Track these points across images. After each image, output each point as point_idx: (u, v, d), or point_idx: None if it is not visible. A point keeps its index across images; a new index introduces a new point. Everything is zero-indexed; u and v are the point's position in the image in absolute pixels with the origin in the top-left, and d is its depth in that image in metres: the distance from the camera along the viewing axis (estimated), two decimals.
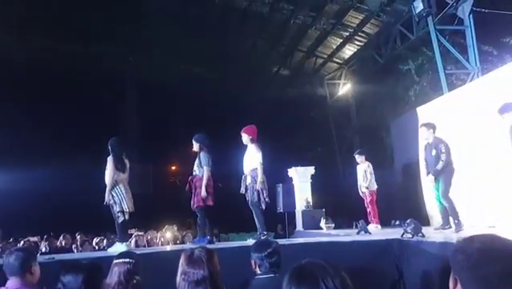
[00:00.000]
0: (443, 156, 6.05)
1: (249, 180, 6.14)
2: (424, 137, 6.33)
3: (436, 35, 9.31)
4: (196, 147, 6.07)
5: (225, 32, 13.39)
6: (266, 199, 6.08)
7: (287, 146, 14.38)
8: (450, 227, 6.09)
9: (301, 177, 10.54)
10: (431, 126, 6.30)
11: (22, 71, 12.98)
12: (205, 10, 12.56)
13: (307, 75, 15.95)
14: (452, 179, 6.10)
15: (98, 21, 12.89)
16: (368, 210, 8.65)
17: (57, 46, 13.54)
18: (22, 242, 8.43)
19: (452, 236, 5.50)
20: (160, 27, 13.22)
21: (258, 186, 5.99)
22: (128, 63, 15.55)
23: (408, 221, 5.30)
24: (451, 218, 6.12)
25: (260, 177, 6.01)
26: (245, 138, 6.28)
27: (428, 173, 6.35)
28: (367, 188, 8.65)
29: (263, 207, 6.08)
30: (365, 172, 8.67)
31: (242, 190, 6.26)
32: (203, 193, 5.75)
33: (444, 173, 6.06)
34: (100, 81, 14.63)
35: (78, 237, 9.07)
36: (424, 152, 6.47)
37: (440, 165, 6.00)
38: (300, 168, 10.66)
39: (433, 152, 6.18)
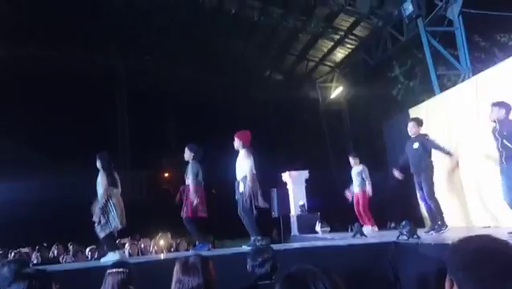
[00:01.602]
0: (426, 152, 6.21)
1: (241, 187, 6.12)
2: (412, 132, 6.42)
3: (427, 37, 9.37)
4: (188, 155, 6.04)
5: (216, 36, 13.40)
6: (260, 204, 6.06)
7: (281, 150, 14.39)
8: (440, 226, 6.11)
9: (295, 182, 10.52)
10: (419, 122, 6.44)
11: (8, 76, 12.82)
12: (196, 15, 12.56)
13: (299, 79, 16.00)
14: (433, 177, 6.19)
15: (87, 25, 12.80)
16: (359, 213, 8.58)
17: (45, 50, 13.44)
18: (12, 254, 8.30)
19: (447, 238, 5.50)
20: (151, 32, 13.20)
21: (249, 192, 5.97)
22: (119, 67, 15.49)
23: (404, 223, 5.30)
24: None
25: (250, 182, 5.95)
26: (237, 143, 6.24)
27: (411, 168, 6.42)
28: (358, 186, 8.58)
29: (255, 212, 6.06)
30: (358, 174, 8.63)
31: (238, 196, 6.23)
32: (194, 203, 5.73)
33: (426, 172, 6.14)
34: (90, 86, 14.56)
35: (70, 247, 8.97)
36: (407, 145, 6.54)
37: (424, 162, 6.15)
38: (294, 173, 10.66)
39: (415, 146, 6.27)
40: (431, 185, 6.16)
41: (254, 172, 6.16)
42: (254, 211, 6.03)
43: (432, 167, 6.24)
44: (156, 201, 15.09)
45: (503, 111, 4.87)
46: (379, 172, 10.22)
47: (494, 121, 4.98)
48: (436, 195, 6.17)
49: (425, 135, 6.42)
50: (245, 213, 6.03)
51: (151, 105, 15.55)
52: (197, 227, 5.84)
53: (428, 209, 6.39)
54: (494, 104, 4.94)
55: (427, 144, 6.27)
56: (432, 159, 6.26)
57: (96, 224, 5.37)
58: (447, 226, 6.04)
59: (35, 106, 13.49)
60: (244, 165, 6.12)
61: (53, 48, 13.45)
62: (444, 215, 6.11)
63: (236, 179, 6.25)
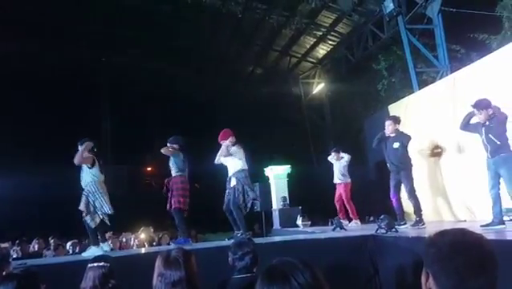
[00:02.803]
0: (406, 150, 6.41)
1: (233, 182, 6.15)
2: (389, 131, 6.55)
3: (407, 34, 9.51)
4: (173, 148, 6.00)
5: (198, 32, 13.30)
6: (252, 201, 6.15)
7: (263, 145, 14.41)
8: (417, 222, 6.27)
9: (277, 176, 10.59)
10: (397, 120, 6.59)
11: None
12: (178, 9, 12.44)
13: (282, 75, 16.01)
14: (412, 174, 6.39)
15: (68, 19, 12.56)
16: (338, 207, 8.68)
17: (27, 48, 13.15)
18: None
19: (424, 231, 5.64)
20: (134, 26, 13.03)
21: (241, 187, 6.04)
22: (101, 62, 15.25)
23: (382, 217, 5.41)
24: (417, 215, 6.36)
25: (242, 178, 6.10)
26: (226, 144, 6.28)
27: (389, 165, 6.62)
28: (341, 179, 8.66)
29: (248, 208, 6.13)
30: (340, 168, 8.74)
31: (228, 191, 6.27)
32: (180, 195, 5.75)
33: (407, 170, 6.32)
34: (72, 81, 14.32)
35: (51, 241, 8.86)
36: (385, 143, 6.69)
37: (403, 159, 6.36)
38: (276, 167, 10.72)
39: (395, 145, 6.44)
40: (412, 182, 6.34)
41: (246, 167, 6.23)
42: (249, 205, 6.10)
43: (412, 164, 6.43)
44: (139, 195, 14.99)
45: (490, 110, 4.97)
46: (360, 167, 10.36)
47: (485, 122, 5.04)
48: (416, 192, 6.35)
49: (402, 132, 6.59)
50: (235, 208, 6.07)
51: (134, 101, 15.37)
52: (184, 219, 5.85)
53: (397, 207, 6.59)
54: (480, 107, 5.00)
55: (406, 142, 6.44)
56: (414, 154, 6.43)
57: (84, 214, 5.30)
58: (424, 223, 6.21)
59: (17, 103, 13.20)
60: (235, 161, 6.18)
61: (35, 45, 13.17)
62: (422, 212, 6.28)
63: (228, 175, 6.32)
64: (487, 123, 4.99)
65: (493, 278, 1.16)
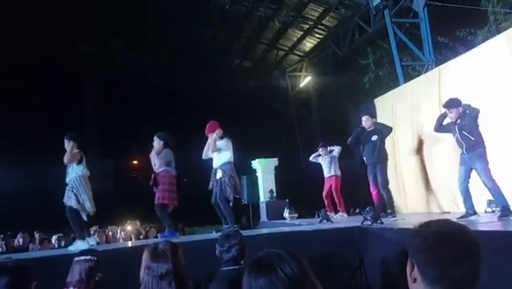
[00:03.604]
0: (383, 143, 6.71)
1: (219, 174, 6.14)
2: (367, 125, 6.82)
3: (393, 28, 9.55)
4: (158, 145, 5.98)
5: (185, 23, 13.18)
6: (237, 195, 6.18)
7: (251, 138, 14.41)
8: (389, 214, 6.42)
9: (265, 169, 10.62)
10: (373, 115, 7.10)
11: None
12: (167, 1, 12.30)
13: (269, 68, 16.01)
14: (387, 167, 6.72)
15: (55, 11, 12.31)
16: (326, 199, 8.78)
17: (12, 36, 12.86)
18: None
19: (409, 223, 5.71)
20: (120, 17, 12.85)
21: (228, 180, 6.04)
22: (86, 54, 15.01)
23: (368, 208, 5.48)
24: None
25: (229, 170, 6.11)
26: (213, 137, 6.27)
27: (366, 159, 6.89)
28: (331, 172, 8.76)
29: (231, 200, 6.14)
30: (330, 161, 8.81)
31: (211, 185, 6.25)
32: (166, 190, 5.75)
33: (383, 163, 6.55)
34: (56, 73, 14.10)
35: (36, 235, 8.78)
36: (363, 138, 6.91)
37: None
38: (264, 160, 10.75)
39: (374, 138, 6.70)
40: (386, 175, 6.66)
41: (232, 160, 6.23)
42: (231, 198, 6.10)
43: (388, 157, 6.72)
44: (125, 189, 14.90)
45: (460, 108, 5.12)
46: (346, 160, 10.44)
47: (457, 120, 5.18)
48: (389, 185, 6.67)
49: (381, 124, 6.98)
50: (222, 200, 6.07)
51: (119, 92, 15.21)
52: (168, 214, 5.83)
53: (377, 200, 6.81)
54: (451, 106, 5.16)
55: (386, 134, 6.76)
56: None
57: (79, 209, 5.25)
58: (396, 216, 6.42)
59: (1, 97, 12.95)
60: (222, 153, 6.16)
61: (20, 34, 12.86)
62: (394, 205, 6.47)
63: (213, 167, 6.29)
64: (459, 121, 5.13)
65: (477, 267, 1.18)
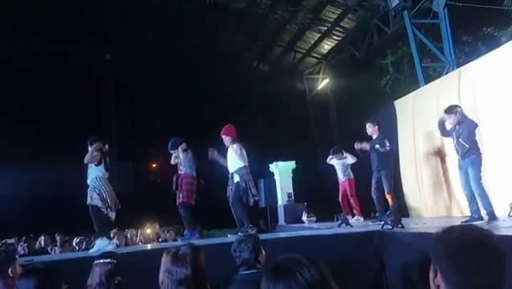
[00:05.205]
0: (387, 148, 6.99)
1: (236, 178, 6.22)
2: (370, 132, 7.22)
3: (412, 29, 9.43)
4: (179, 149, 6.20)
5: (203, 28, 13.28)
6: (256, 197, 6.25)
7: (268, 141, 14.41)
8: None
9: (282, 172, 10.59)
10: (377, 122, 7.34)
11: None
12: (184, 5, 12.42)
13: (286, 70, 15.96)
14: (392, 174, 7.03)
15: (72, 16, 12.56)
16: (343, 203, 8.68)
17: (30, 43, 13.17)
18: None
19: (431, 227, 5.61)
20: (138, 23, 13.02)
21: (244, 183, 6.16)
22: (105, 60, 15.24)
23: (388, 212, 5.41)
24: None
25: (246, 174, 6.21)
26: (227, 139, 6.40)
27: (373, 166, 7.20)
28: (345, 176, 8.68)
29: (251, 203, 6.22)
30: (343, 164, 8.73)
31: (229, 191, 6.34)
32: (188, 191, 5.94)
33: (387, 170, 6.61)
34: (76, 79, 14.35)
35: (57, 237, 8.91)
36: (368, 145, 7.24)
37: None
38: (281, 163, 10.72)
39: (377, 146, 6.99)
40: (391, 181, 6.94)
41: (247, 164, 6.32)
42: (251, 201, 6.17)
43: (393, 165, 7.02)
44: (145, 192, 15.04)
45: (458, 115, 5.32)
46: (365, 163, 10.33)
47: (455, 125, 5.38)
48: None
49: (382, 135, 7.24)
50: (238, 203, 6.14)
51: (138, 97, 15.41)
52: (191, 213, 6.00)
53: (377, 204, 7.13)
54: (450, 112, 5.38)
55: (386, 143, 7.01)
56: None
57: (105, 209, 5.36)
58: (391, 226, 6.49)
59: (20, 100, 13.26)
60: (237, 158, 6.24)
61: (39, 40, 13.17)
62: (396, 211, 6.55)
63: (229, 172, 6.38)
64: (457, 127, 5.34)
65: (502, 273, 1.16)
